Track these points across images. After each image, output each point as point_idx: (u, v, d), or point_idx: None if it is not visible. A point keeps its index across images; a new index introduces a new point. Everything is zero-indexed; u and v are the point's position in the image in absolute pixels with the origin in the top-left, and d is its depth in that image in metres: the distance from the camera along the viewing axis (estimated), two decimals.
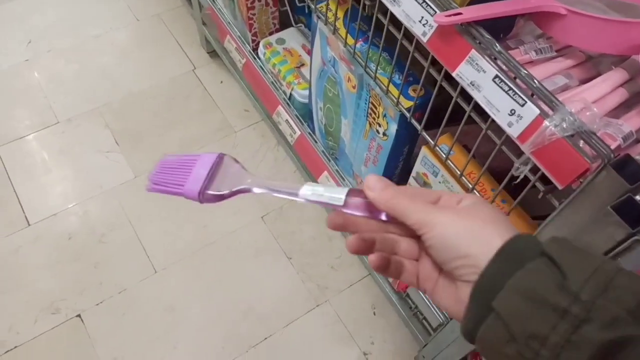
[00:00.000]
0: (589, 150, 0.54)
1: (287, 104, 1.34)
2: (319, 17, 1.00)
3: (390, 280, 1.23)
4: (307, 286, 1.35)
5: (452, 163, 0.82)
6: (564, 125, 0.54)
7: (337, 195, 0.41)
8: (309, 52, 1.18)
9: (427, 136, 0.83)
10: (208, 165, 0.46)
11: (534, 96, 0.58)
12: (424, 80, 0.80)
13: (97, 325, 1.27)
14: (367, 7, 0.81)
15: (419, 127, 0.84)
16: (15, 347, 1.23)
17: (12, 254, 1.36)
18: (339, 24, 0.95)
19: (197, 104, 1.67)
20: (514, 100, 0.59)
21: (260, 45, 1.37)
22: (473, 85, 0.63)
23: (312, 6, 0.98)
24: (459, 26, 0.63)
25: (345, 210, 0.42)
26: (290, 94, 1.31)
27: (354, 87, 1.02)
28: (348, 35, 0.92)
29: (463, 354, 0.96)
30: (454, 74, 0.65)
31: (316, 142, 1.31)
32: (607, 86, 0.63)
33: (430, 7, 0.65)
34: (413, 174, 0.95)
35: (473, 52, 0.62)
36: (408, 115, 0.86)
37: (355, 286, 1.36)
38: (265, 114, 1.54)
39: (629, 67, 0.65)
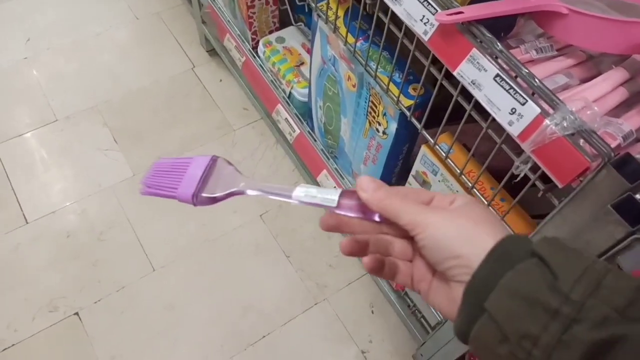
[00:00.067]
0: (589, 149, 0.54)
1: (287, 102, 1.34)
2: (319, 16, 1.00)
3: None
4: (306, 284, 1.35)
5: (452, 162, 0.82)
6: (565, 124, 0.54)
7: (330, 196, 0.41)
8: (309, 51, 1.18)
9: (427, 135, 0.83)
10: (201, 168, 0.46)
11: (535, 95, 0.58)
12: (424, 79, 0.81)
13: (96, 323, 1.27)
14: (367, 5, 0.82)
15: (419, 126, 0.84)
16: (13, 344, 1.23)
17: (11, 252, 1.36)
18: (340, 22, 0.95)
19: (197, 103, 1.67)
20: (515, 99, 0.59)
21: (260, 43, 1.37)
22: (474, 84, 0.63)
23: (313, 5, 0.98)
24: (460, 25, 0.63)
25: (338, 212, 0.42)
26: (290, 92, 1.31)
27: (354, 86, 1.02)
28: (348, 33, 0.92)
29: (461, 352, 0.96)
30: (455, 73, 0.66)
31: (315, 140, 1.31)
32: (608, 85, 0.64)
33: (432, 6, 0.65)
34: (413, 172, 0.95)
35: (474, 51, 0.62)
36: (408, 114, 0.86)
37: (353, 285, 1.36)
38: (265, 112, 1.54)
39: (629, 67, 0.66)
